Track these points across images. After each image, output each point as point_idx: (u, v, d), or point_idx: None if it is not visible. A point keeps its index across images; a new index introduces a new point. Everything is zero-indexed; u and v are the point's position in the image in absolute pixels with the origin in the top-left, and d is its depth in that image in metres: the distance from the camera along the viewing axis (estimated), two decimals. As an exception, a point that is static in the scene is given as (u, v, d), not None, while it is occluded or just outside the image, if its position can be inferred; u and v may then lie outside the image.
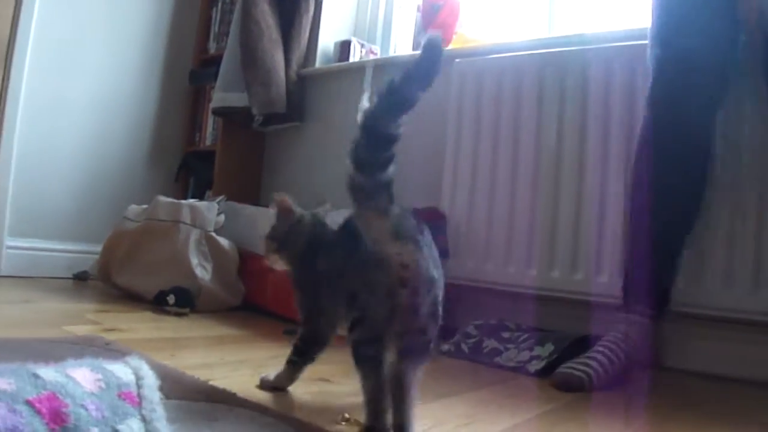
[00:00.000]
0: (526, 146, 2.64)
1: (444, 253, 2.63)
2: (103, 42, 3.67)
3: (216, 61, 3.78)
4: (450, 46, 3.26)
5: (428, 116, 2.94)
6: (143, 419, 0.79)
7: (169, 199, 3.02)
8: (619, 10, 2.94)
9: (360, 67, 3.50)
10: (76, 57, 3.56)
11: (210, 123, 3.94)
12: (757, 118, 2.16)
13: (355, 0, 3.87)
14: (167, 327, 2.30)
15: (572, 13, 3.06)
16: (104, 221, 3.42)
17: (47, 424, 0.68)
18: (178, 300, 2.58)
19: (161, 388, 0.85)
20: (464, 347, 2.30)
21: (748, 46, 2.06)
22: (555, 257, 2.52)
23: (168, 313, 2.54)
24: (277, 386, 1.48)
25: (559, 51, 2.61)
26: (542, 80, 2.63)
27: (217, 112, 3.69)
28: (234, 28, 3.61)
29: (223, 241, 2.88)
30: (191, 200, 3.07)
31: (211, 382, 1.47)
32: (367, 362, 1.21)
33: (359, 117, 1.26)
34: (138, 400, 0.80)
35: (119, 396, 0.78)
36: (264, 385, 1.49)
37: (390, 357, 1.22)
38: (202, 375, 1.53)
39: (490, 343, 2.28)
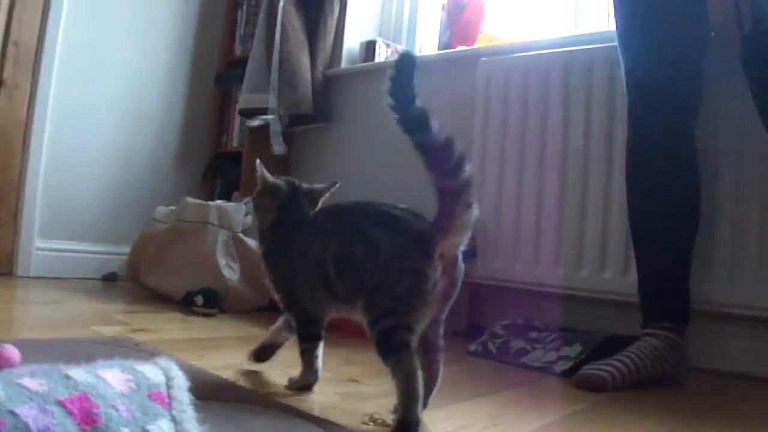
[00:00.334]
0: (552, 145, 2.62)
1: (471, 253, 2.63)
2: (129, 46, 3.70)
3: (242, 63, 3.79)
4: (475, 45, 3.26)
5: (454, 115, 2.94)
6: (173, 420, 0.79)
7: (197, 201, 3.03)
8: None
9: (386, 68, 3.50)
10: (103, 61, 3.58)
11: (236, 124, 3.96)
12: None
13: (380, 0, 3.86)
14: (195, 327, 2.31)
15: (598, 10, 3.03)
16: (132, 223, 3.45)
17: (79, 424, 0.69)
18: (206, 301, 2.59)
19: (191, 389, 0.85)
20: (491, 347, 2.29)
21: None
22: (583, 256, 2.51)
23: (196, 313, 2.55)
24: (303, 385, 1.48)
25: (585, 48, 2.59)
26: (569, 78, 2.61)
27: (244, 113, 3.70)
28: (259, 30, 3.62)
29: (251, 242, 2.88)
30: (218, 201, 3.08)
31: (239, 383, 1.48)
32: (401, 350, 1.22)
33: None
34: (168, 401, 0.80)
35: (150, 397, 0.78)
36: (292, 385, 1.49)
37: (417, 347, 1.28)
38: (230, 375, 1.54)
39: (517, 343, 2.27)
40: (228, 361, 1.66)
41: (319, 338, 1.51)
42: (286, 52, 3.45)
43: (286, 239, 1.51)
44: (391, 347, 1.23)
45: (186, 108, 3.97)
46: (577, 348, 2.13)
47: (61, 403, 0.69)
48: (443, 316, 1.35)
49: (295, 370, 1.48)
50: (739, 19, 1.87)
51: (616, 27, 2.20)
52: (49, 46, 3.30)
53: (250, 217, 2.95)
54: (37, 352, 1.43)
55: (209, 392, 1.28)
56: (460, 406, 1.52)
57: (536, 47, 2.82)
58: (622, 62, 2.20)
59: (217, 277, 2.74)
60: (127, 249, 3.15)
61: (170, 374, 0.84)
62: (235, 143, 3.96)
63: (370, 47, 3.62)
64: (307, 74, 3.52)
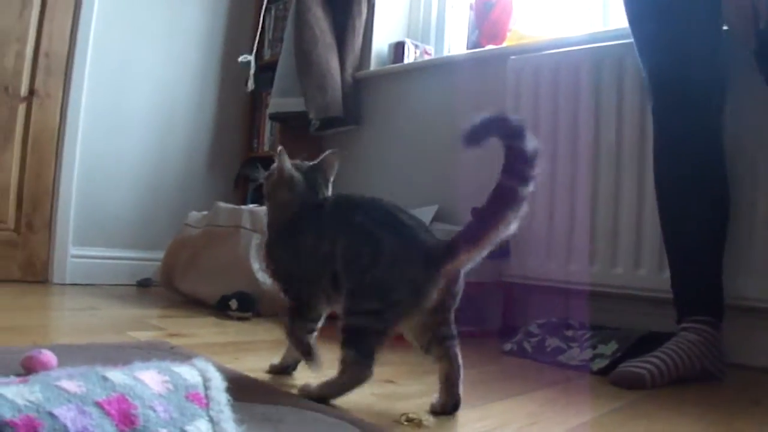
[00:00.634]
0: (584, 141, 2.61)
1: (505, 252, 2.62)
2: (159, 53, 3.73)
3: (271, 66, 3.81)
4: (504, 44, 3.25)
5: (485, 114, 2.93)
6: (211, 420, 0.79)
7: (230, 205, 3.04)
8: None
9: (415, 68, 3.50)
10: (134, 69, 3.61)
11: (267, 129, 3.97)
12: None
13: (408, 1, 3.86)
14: (230, 331, 2.31)
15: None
16: (166, 228, 3.47)
17: (117, 425, 0.69)
18: (241, 305, 2.60)
19: (228, 390, 0.85)
20: (527, 346, 2.28)
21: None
22: (617, 253, 2.49)
23: (231, 317, 2.56)
24: (319, 395, 1.38)
25: (615, 44, 2.57)
26: (599, 74, 2.59)
27: (274, 117, 3.71)
28: (288, 34, 3.63)
29: (284, 245, 2.89)
30: (251, 205, 3.08)
31: (275, 385, 1.48)
32: (368, 356, 1.32)
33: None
34: (206, 402, 0.80)
35: (187, 397, 0.79)
36: (305, 391, 1.44)
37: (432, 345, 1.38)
38: (265, 378, 1.54)
39: (552, 342, 2.26)
40: (263, 364, 1.66)
41: (313, 321, 1.54)
42: (316, 55, 3.46)
43: (297, 233, 1.52)
44: (361, 351, 1.31)
45: (217, 113, 3.99)
46: (613, 345, 2.11)
47: (99, 405, 0.70)
48: (451, 308, 1.40)
49: (331, 372, 1.48)
50: (755, 16, 1.87)
51: (632, 32, 2.20)
52: (80, 56, 3.34)
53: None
54: (73, 356, 1.44)
55: (245, 394, 1.28)
56: (495, 405, 1.51)
57: (565, 44, 2.80)
58: (642, 66, 2.19)
59: (251, 280, 2.74)
60: (160, 255, 3.17)
61: (207, 375, 0.84)
62: (266, 147, 3.97)
63: (398, 48, 3.62)
64: (337, 77, 3.53)
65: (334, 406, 1.31)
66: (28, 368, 1.23)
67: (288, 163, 1.56)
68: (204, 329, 2.31)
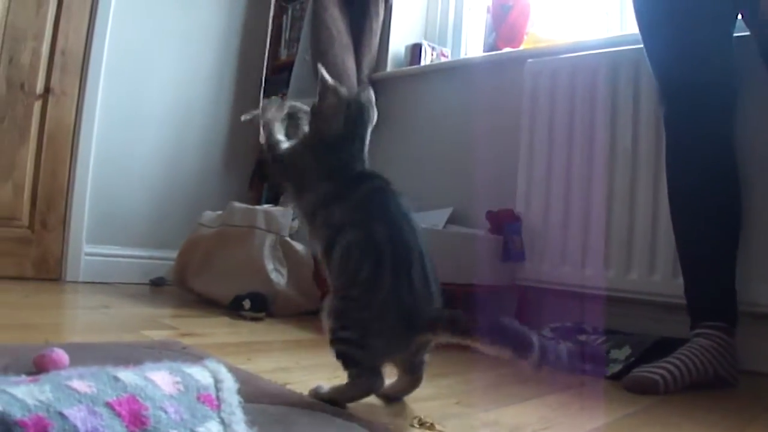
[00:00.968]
0: (600, 146, 2.59)
1: (520, 256, 2.61)
2: (175, 52, 3.73)
3: (287, 67, 3.81)
4: (521, 47, 3.24)
5: (501, 117, 2.92)
6: (222, 422, 0.79)
7: (244, 205, 3.04)
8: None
9: (431, 71, 3.49)
10: (150, 66, 3.62)
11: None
12: None
13: (425, 2, 3.85)
14: (243, 332, 2.31)
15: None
16: (180, 228, 3.47)
17: (127, 426, 0.69)
18: (254, 305, 2.60)
19: (239, 392, 0.85)
20: (541, 350, 2.27)
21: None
22: (632, 258, 2.48)
23: (244, 318, 2.56)
24: (331, 398, 1.38)
25: (632, 49, 2.55)
26: (616, 79, 2.58)
27: (290, 117, 3.70)
28: (304, 34, 3.63)
29: (298, 246, 2.89)
30: (266, 206, 3.08)
31: (287, 386, 1.47)
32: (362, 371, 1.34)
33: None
34: (217, 403, 0.80)
35: (198, 399, 0.78)
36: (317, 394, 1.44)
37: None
38: (278, 379, 1.54)
39: (566, 346, 2.25)
40: (276, 365, 1.66)
41: None
42: (332, 56, 3.45)
43: (327, 203, 1.49)
44: (361, 368, 1.34)
45: (232, 113, 3.99)
46: (626, 350, 2.10)
47: (109, 405, 0.69)
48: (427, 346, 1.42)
49: (344, 374, 1.47)
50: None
51: (643, 40, 2.21)
52: (96, 54, 3.35)
53: (297, 222, 2.95)
54: (86, 355, 1.44)
55: (257, 395, 1.28)
56: (508, 409, 1.50)
57: (583, 48, 2.79)
58: (654, 74, 2.20)
59: (264, 281, 2.74)
60: (174, 254, 3.18)
61: (219, 376, 0.84)
62: (281, 148, 3.96)
63: (415, 50, 3.61)
64: (353, 78, 3.52)
65: (345, 409, 1.31)
66: (40, 366, 1.23)
67: (328, 75, 1.59)
68: (217, 329, 2.31)
